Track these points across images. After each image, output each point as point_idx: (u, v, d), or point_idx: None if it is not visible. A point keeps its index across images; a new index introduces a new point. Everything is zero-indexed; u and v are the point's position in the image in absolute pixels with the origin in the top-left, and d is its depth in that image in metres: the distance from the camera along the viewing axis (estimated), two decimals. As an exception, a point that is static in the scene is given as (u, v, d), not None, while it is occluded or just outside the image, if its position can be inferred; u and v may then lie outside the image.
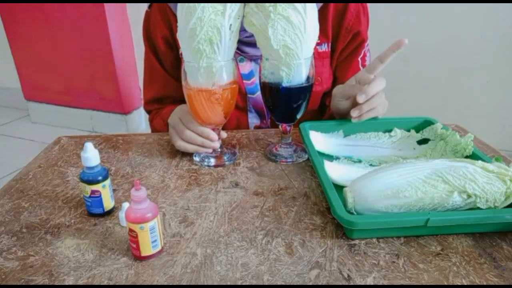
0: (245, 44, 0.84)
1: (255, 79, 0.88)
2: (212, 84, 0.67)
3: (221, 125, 0.74)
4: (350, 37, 0.88)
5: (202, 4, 0.63)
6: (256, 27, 0.66)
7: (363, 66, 0.91)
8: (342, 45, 0.89)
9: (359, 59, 0.90)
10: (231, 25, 0.65)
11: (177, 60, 0.92)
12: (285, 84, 0.68)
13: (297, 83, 0.68)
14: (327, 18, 0.85)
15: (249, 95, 0.89)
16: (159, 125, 0.93)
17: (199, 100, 0.69)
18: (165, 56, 0.92)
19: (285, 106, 0.71)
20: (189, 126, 0.74)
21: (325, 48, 0.88)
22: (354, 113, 0.72)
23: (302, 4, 0.64)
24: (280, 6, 0.63)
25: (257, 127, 0.94)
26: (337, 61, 0.91)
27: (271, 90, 0.70)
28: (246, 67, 0.87)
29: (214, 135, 0.73)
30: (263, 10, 0.64)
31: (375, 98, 0.72)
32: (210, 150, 0.75)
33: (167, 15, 0.87)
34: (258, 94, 0.88)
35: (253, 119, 0.93)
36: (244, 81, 0.88)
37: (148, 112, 1.00)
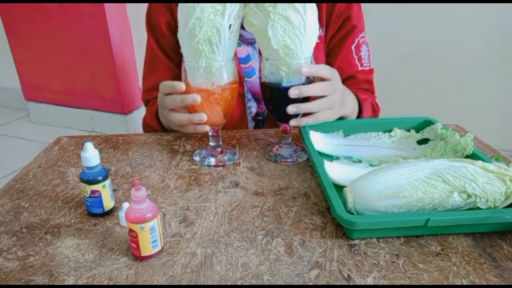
0: (242, 28, 0.85)
1: (252, 63, 0.89)
2: (211, 84, 0.67)
3: (221, 125, 0.74)
4: (340, 22, 0.89)
5: (201, 4, 0.63)
6: (256, 27, 0.66)
7: (358, 56, 0.92)
8: (333, 31, 0.90)
9: (352, 47, 0.91)
10: (230, 25, 0.65)
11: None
12: (285, 84, 0.67)
13: (297, 83, 0.68)
14: (321, 4, 0.86)
15: (246, 79, 0.90)
16: (148, 118, 0.92)
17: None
18: (168, 42, 0.92)
19: (285, 106, 0.71)
20: (164, 91, 0.71)
21: (320, 32, 0.89)
22: (290, 109, 0.68)
23: (302, 4, 0.64)
24: (280, 6, 0.63)
25: (254, 117, 0.94)
26: (328, 47, 0.92)
27: (271, 90, 0.70)
28: (244, 51, 0.88)
29: (179, 86, 0.69)
30: (263, 10, 0.64)
31: (317, 102, 0.70)
32: (205, 117, 0.70)
33: (170, 3, 0.88)
34: (255, 78, 0.89)
35: (251, 109, 0.94)
36: (241, 65, 0.89)
37: (146, 102, 1.00)
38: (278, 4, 0.63)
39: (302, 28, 0.64)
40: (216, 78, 0.67)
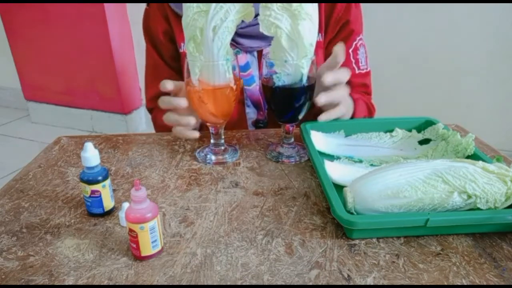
0: (241, 36, 0.84)
1: (251, 71, 0.89)
2: (195, 81, 0.68)
3: (216, 124, 0.74)
4: (339, 27, 0.89)
5: (187, 4, 0.64)
6: (281, 30, 0.64)
7: (355, 59, 0.92)
8: (331, 35, 0.90)
9: (350, 51, 0.91)
10: (215, 26, 0.64)
11: (179, 54, 0.93)
12: (304, 81, 0.68)
13: (308, 81, 0.69)
14: (320, 9, 0.86)
15: (245, 87, 0.90)
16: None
17: (189, 94, 0.71)
18: (167, 50, 0.93)
19: (295, 105, 0.71)
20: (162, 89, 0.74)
21: (319, 37, 0.88)
22: (321, 98, 0.70)
23: (314, 4, 0.64)
24: (305, 5, 0.63)
25: (254, 123, 0.94)
26: (327, 52, 0.92)
27: (285, 92, 0.69)
28: (242, 59, 0.88)
29: (170, 85, 0.72)
30: (286, 11, 0.63)
31: (337, 91, 0.72)
32: (193, 122, 0.73)
33: (165, 12, 0.88)
34: (254, 86, 0.89)
35: (251, 115, 0.93)
36: (240, 73, 0.89)
37: (151, 110, 0.99)
38: (303, 4, 0.63)
39: (318, 25, 0.66)
40: (201, 77, 0.68)
